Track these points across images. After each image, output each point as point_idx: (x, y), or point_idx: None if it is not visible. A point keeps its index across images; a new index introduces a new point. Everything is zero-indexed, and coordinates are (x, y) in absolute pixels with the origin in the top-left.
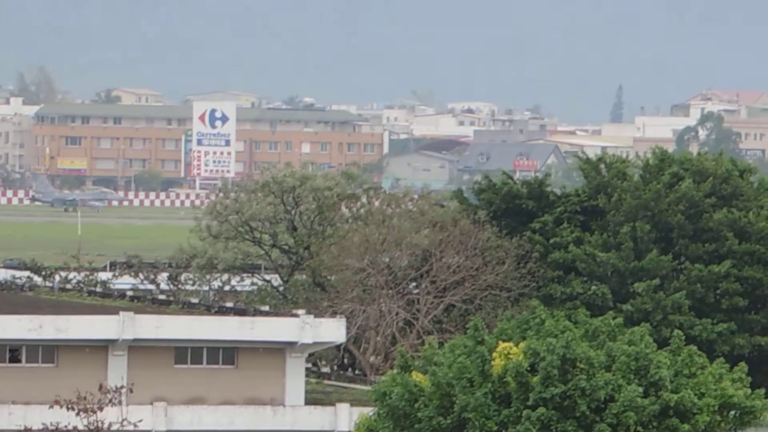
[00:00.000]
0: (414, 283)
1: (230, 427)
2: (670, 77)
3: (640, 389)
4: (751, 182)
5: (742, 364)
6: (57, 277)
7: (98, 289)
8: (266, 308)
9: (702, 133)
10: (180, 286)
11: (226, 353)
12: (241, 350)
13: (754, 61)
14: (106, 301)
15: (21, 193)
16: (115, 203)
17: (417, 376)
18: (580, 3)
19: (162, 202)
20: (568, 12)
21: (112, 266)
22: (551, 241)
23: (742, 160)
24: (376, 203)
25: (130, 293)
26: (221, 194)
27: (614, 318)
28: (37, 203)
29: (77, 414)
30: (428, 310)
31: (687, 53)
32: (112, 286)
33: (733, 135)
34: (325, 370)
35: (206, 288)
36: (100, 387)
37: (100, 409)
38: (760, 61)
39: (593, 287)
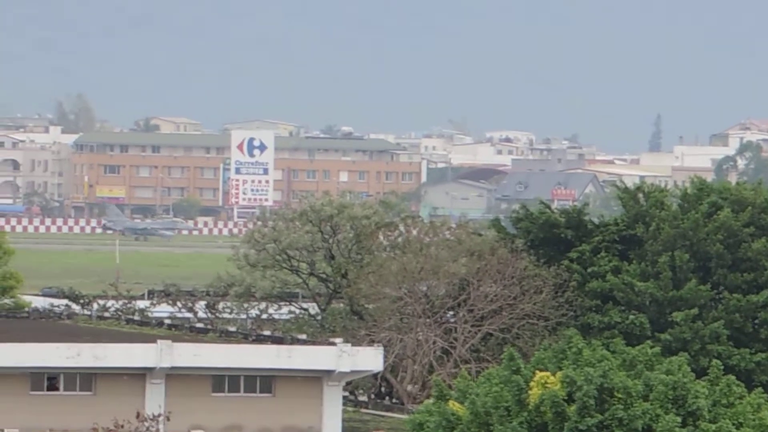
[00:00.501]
0: (451, 312)
1: None
2: (708, 106)
3: (678, 419)
4: None
5: None
6: (95, 305)
7: (136, 317)
8: (304, 336)
9: (741, 163)
10: (217, 314)
11: (264, 381)
12: (279, 378)
13: None
14: (144, 329)
15: (60, 221)
16: (185, 232)
17: (454, 406)
18: (618, 32)
19: (200, 231)
20: (606, 41)
21: (150, 294)
22: (589, 270)
23: None
24: (414, 232)
25: (167, 321)
26: (259, 222)
27: (652, 347)
28: (108, 231)
29: None
30: (465, 339)
31: (725, 82)
32: (150, 314)
33: None
34: (363, 398)
35: (244, 316)
36: (138, 415)
37: None
38: None
39: (631, 316)
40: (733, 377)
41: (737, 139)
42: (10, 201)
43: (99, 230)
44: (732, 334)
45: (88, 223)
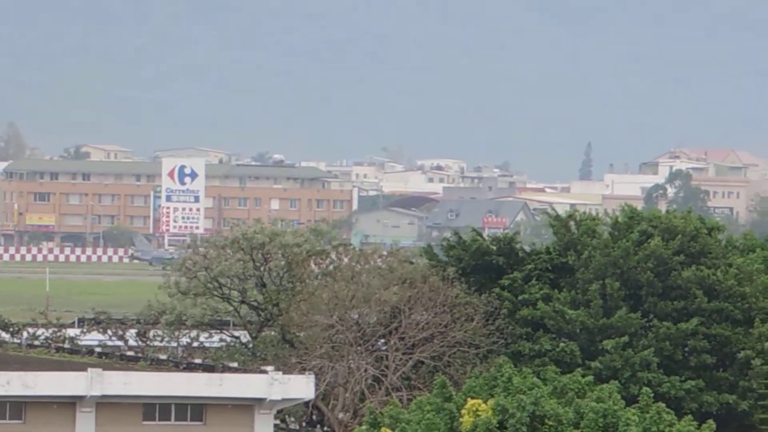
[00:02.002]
0: (383, 340)
1: None
2: (638, 135)
3: None
4: (719, 240)
5: (710, 421)
6: (25, 334)
7: (66, 345)
8: (235, 364)
9: (670, 191)
10: (148, 342)
11: (195, 410)
12: (210, 407)
13: (722, 120)
14: (74, 358)
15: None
16: None
17: None
18: (550, 61)
19: (131, 258)
20: (537, 70)
21: (81, 322)
22: (520, 297)
23: (710, 218)
24: (345, 260)
25: (98, 349)
26: (190, 250)
27: (583, 375)
28: (135, 261)
29: None
30: (397, 367)
31: (655, 112)
32: (80, 343)
33: (702, 193)
34: (294, 426)
35: (175, 344)
36: None
37: None
38: (728, 120)
39: (562, 344)
40: (663, 405)
41: (667, 167)
42: None
43: (126, 260)
44: (662, 361)
45: (17, 250)
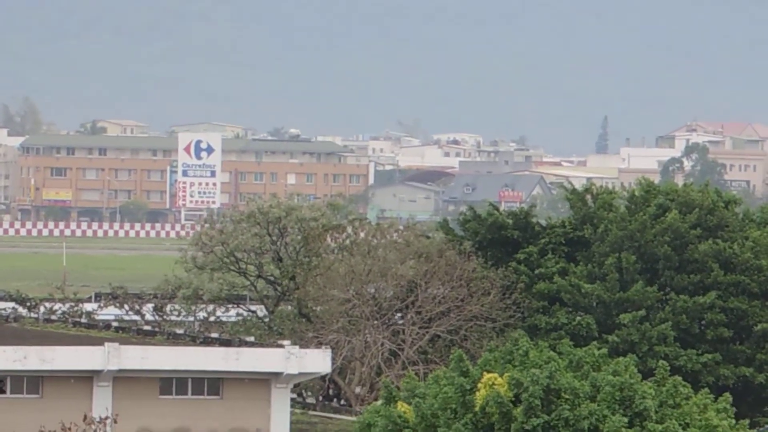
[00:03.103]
0: (399, 314)
1: None
2: (655, 109)
3: (625, 420)
4: (736, 213)
5: (727, 394)
6: (42, 308)
7: (83, 320)
8: (251, 339)
9: (687, 165)
10: (165, 316)
11: (211, 384)
12: (226, 381)
13: (739, 93)
14: (91, 332)
15: (6, 224)
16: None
17: (402, 407)
18: (565, 36)
19: (147, 233)
20: (553, 45)
21: (97, 297)
22: (536, 271)
23: (727, 192)
24: (362, 234)
25: (115, 324)
26: (206, 225)
27: (599, 349)
28: None
29: None
30: (413, 341)
31: (672, 85)
32: (97, 317)
33: (718, 166)
34: (311, 400)
35: (191, 319)
36: (85, 418)
37: None
38: (744, 93)
39: (578, 318)
40: (679, 378)
41: (683, 141)
42: None
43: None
44: (679, 335)
45: (34, 225)
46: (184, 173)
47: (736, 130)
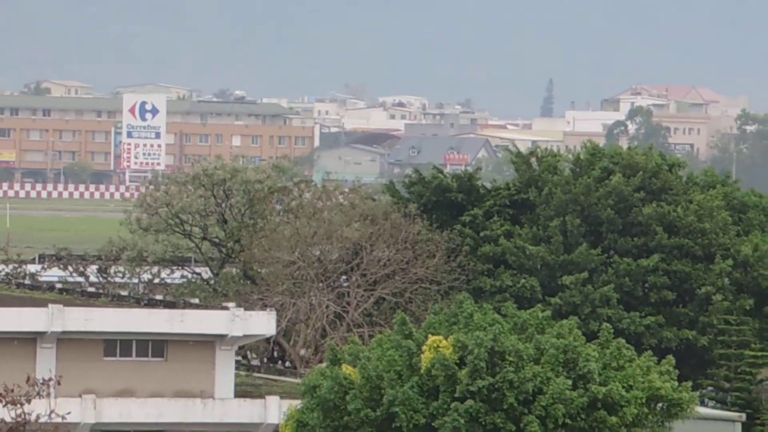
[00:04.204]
0: (344, 276)
1: (159, 419)
2: (600, 72)
3: (569, 382)
4: (679, 177)
5: (670, 357)
6: None
7: (27, 281)
8: (196, 301)
9: (631, 128)
10: (109, 278)
11: (156, 346)
12: (171, 343)
13: (683, 57)
14: (34, 294)
15: None
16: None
17: (347, 369)
18: (511, 1)
19: (91, 195)
20: (499, 9)
21: (41, 258)
22: (481, 234)
23: (671, 155)
24: (307, 196)
25: (59, 286)
26: (151, 187)
27: (543, 311)
28: None
29: (4, 406)
30: (358, 304)
31: (617, 49)
32: (40, 279)
33: (662, 129)
34: (255, 362)
35: (136, 280)
36: (28, 379)
37: (28, 401)
38: (688, 56)
39: (522, 280)
40: (623, 340)
41: (628, 104)
42: None
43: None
44: (622, 297)
45: None
46: (129, 135)
47: (680, 93)
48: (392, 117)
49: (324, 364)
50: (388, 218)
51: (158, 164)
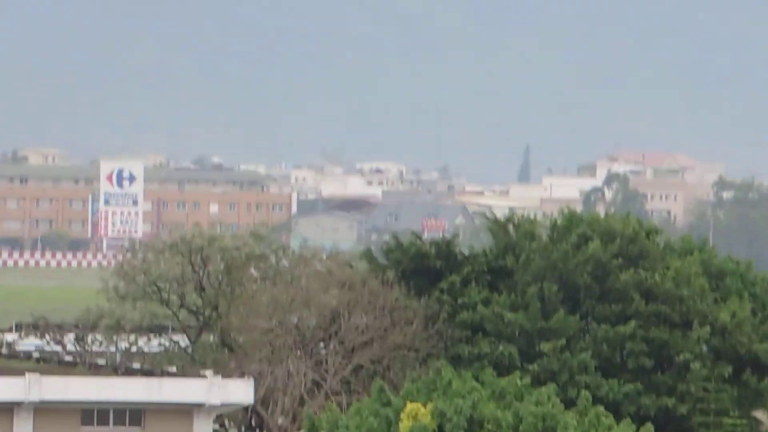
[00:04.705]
0: (322, 344)
1: None
2: (577, 138)
3: None
4: (657, 243)
5: (649, 425)
6: None
7: (4, 350)
8: (174, 369)
9: (608, 194)
10: (87, 347)
11: (133, 414)
12: (148, 411)
13: (659, 124)
14: (11, 363)
15: None
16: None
17: None
18: (487, 66)
19: (69, 263)
20: (475, 73)
21: (18, 327)
22: (459, 301)
23: (648, 221)
24: (285, 263)
25: (36, 355)
26: (129, 254)
27: (521, 378)
28: None
29: None
30: (336, 371)
31: (593, 115)
32: (18, 348)
33: (639, 196)
34: (233, 431)
35: (113, 349)
36: None
37: None
38: (665, 123)
39: (501, 347)
40: (601, 408)
41: (605, 170)
42: None
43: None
44: (600, 364)
45: None
46: (106, 202)
47: (657, 159)
48: (369, 183)
49: None
50: (366, 285)
51: (136, 232)
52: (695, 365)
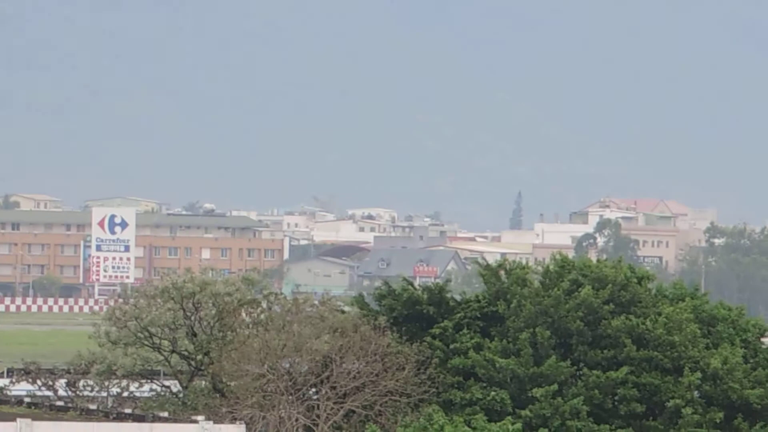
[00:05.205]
0: (314, 389)
1: None
2: (568, 185)
3: None
4: (649, 289)
5: None
6: None
7: None
8: (165, 414)
9: (600, 240)
10: (78, 392)
11: None
12: None
13: (651, 171)
14: (3, 408)
15: None
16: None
17: None
18: (478, 113)
19: (60, 308)
20: (467, 121)
21: (9, 373)
22: (451, 346)
23: (640, 267)
24: (277, 309)
25: (27, 400)
26: (120, 300)
27: (513, 424)
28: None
29: None
30: (328, 416)
31: (584, 162)
32: (9, 393)
33: (631, 242)
34: None
35: (105, 394)
36: None
37: None
38: (656, 170)
39: (492, 393)
40: None
41: (597, 216)
42: None
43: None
44: (592, 410)
45: None
46: (98, 248)
47: (648, 206)
48: (361, 229)
49: None
50: (358, 331)
51: (127, 277)
52: (686, 411)
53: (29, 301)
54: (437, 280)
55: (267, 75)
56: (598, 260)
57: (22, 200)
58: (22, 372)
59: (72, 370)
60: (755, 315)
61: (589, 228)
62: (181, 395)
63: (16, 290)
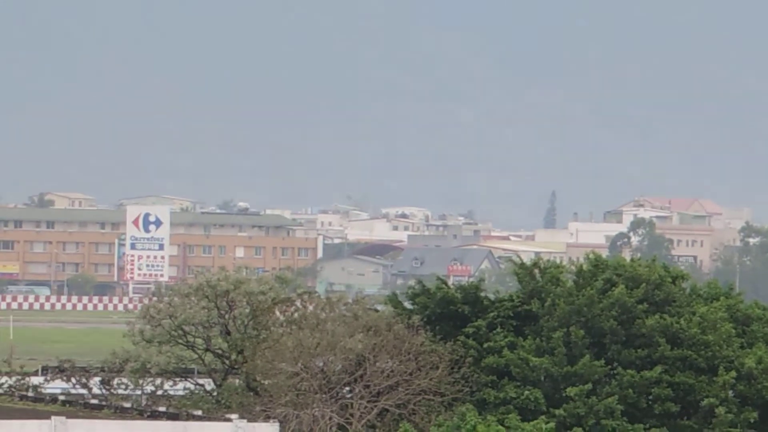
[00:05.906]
0: (348, 388)
1: None
2: (603, 184)
3: None
4: (683, 288)
5: None
6: None
7: (30, 393)
8: (199, 412)
9: (634, 240)
10: (112, 390)
11: None
12: None
13: (686, 169)
14: (37, 406)
15: None
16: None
17: None
18: (513, 111)
19: (95, 306)
20: (501, 118)
21: (44, 371)
22: (485, 345)
23: (674, 266)
24: (310, 307)
25: (62, 397)
26: (155, 298)
27: (547, 423)
28: None
29: None
30: (362, 415)
31: (619, 161)
32: (43, 391)
33: (666, 241)
34: None
35: (139, 392)
36: None
37: None
38: (691, 169)
39: (526, 392)
40: None
41: (631, 216)
42: None
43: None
44: (626, 409)
45: None
46: (132, 246)
47: (683, 205)
48: (395, 228)
49: None
50: (391, 329)
51: (161, 276)
52: (720, 410)
53: (64, 299)
54: (471, 279)
55: (297, 73)
56: (632, 259)
57: (56, 199)
58: (57, 370)
59: (106, 368)
60: None
61: (623, 227)
62: (215, 393)
63: (51, 288)
